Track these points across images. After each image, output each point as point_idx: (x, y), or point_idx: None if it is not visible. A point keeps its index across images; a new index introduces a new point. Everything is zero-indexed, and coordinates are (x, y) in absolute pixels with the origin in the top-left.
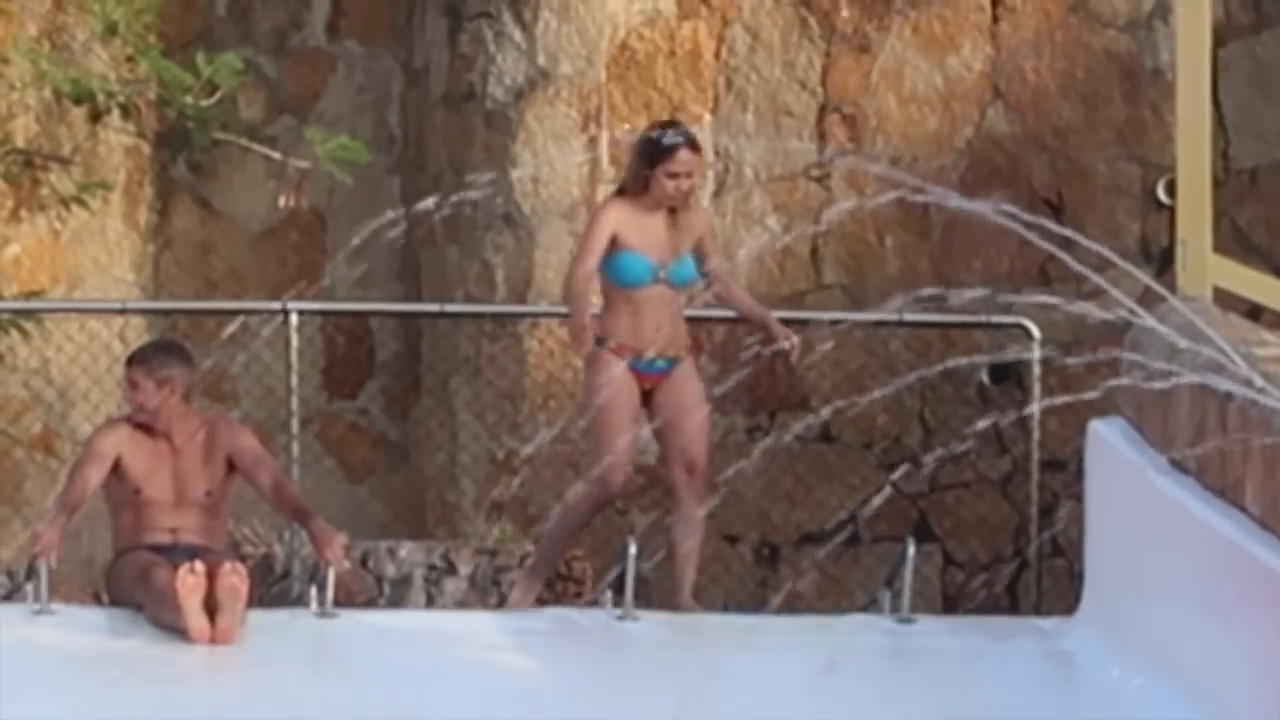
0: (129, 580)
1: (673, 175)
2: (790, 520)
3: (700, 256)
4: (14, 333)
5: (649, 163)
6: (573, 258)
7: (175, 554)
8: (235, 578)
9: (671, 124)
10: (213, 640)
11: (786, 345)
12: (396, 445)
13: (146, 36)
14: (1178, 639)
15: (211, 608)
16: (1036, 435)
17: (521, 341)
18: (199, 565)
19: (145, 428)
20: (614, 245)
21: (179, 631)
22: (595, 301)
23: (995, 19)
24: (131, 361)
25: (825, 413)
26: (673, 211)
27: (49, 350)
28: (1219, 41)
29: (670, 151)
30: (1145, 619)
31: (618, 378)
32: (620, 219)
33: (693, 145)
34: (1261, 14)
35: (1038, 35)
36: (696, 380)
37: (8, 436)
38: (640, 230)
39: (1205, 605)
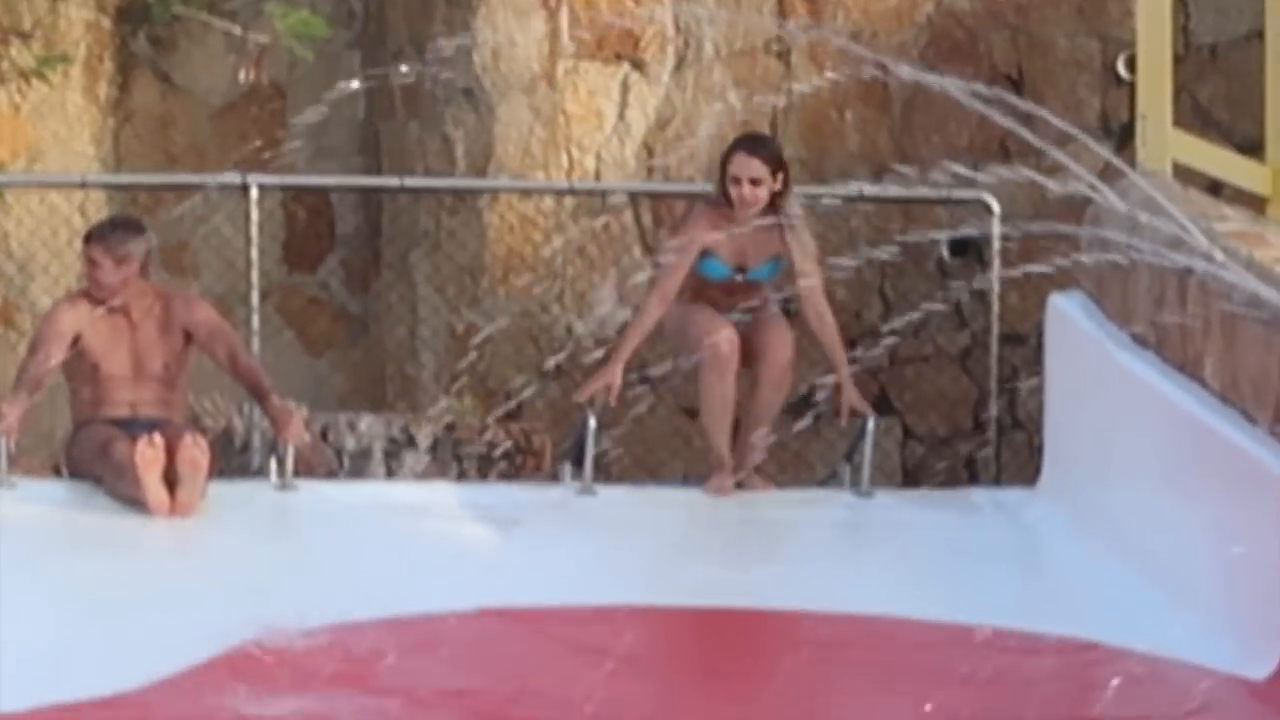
0: (88, 453)
1: (735, 180)
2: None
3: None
4: None
5: (721, 168)
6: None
7: (134, 427)
8: (195, 450)
9: (757, 135)
10: (172, 512)
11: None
12: (356, 319)
13: None
14: (1138, 513)
15: (171, 480)
16: (996, 309)
17: (481, 215)
18: (158, 438)
19: (103, 303)
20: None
21: (138, 504)
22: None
23: None
24: (90, 239)
25: (785, 292)
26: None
27: (9, 224)
28: None
29: (729, 154)
30: (1105, 493)
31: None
32: (707, 225)
33: (756, 150)
34: None
35: None
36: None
37: None
38: (722, 235)
39: (1165, 479)
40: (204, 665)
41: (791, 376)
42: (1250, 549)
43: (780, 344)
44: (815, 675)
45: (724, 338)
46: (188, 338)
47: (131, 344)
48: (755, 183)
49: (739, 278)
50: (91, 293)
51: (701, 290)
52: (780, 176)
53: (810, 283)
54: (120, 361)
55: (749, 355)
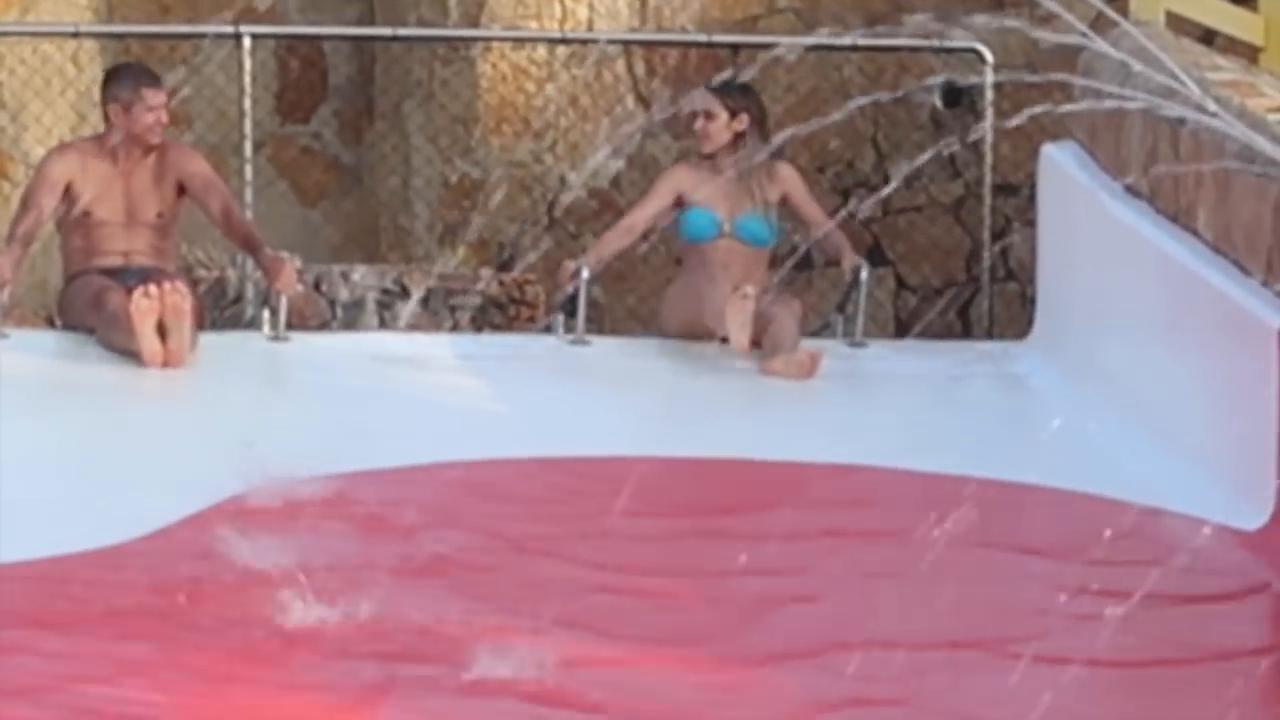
0: (82, 304)
1: (692, 114)
2: None
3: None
4: None
5: None
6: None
7: (127, 276)
8: (176, 296)
9: (728, 78)
10: (165, 363)
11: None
12: (349, 169)
13: None
14: (1130, 364)
15: (164, 331)
16: (989, 159)
17: (474, 65)
18: (153, 289)
19: (95, 151)
20: (678, 203)
21: (132, 355)
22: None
23: None
24: (145, 84)
25: (780, 138)
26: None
27: (1, 74)
28: None
29: None
30: (1097, 343)
31: None
32: (684, 170)
33: (716, 87)
34: None
35: None
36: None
37: None
38: (697, 177)
39: (1158, 331)
40: (199, 514)
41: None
42: (1242, 400)
43: (785, 330)
44: (805, 526)
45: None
46: (181, 189)
47: (125, 192)
48: (709, 116)
49: (727, 228)
50: (90, 138)
51: (699, 265)
52: (742, 117)
53: (834, 236)
54: (113, 209)
55: (758, 338)
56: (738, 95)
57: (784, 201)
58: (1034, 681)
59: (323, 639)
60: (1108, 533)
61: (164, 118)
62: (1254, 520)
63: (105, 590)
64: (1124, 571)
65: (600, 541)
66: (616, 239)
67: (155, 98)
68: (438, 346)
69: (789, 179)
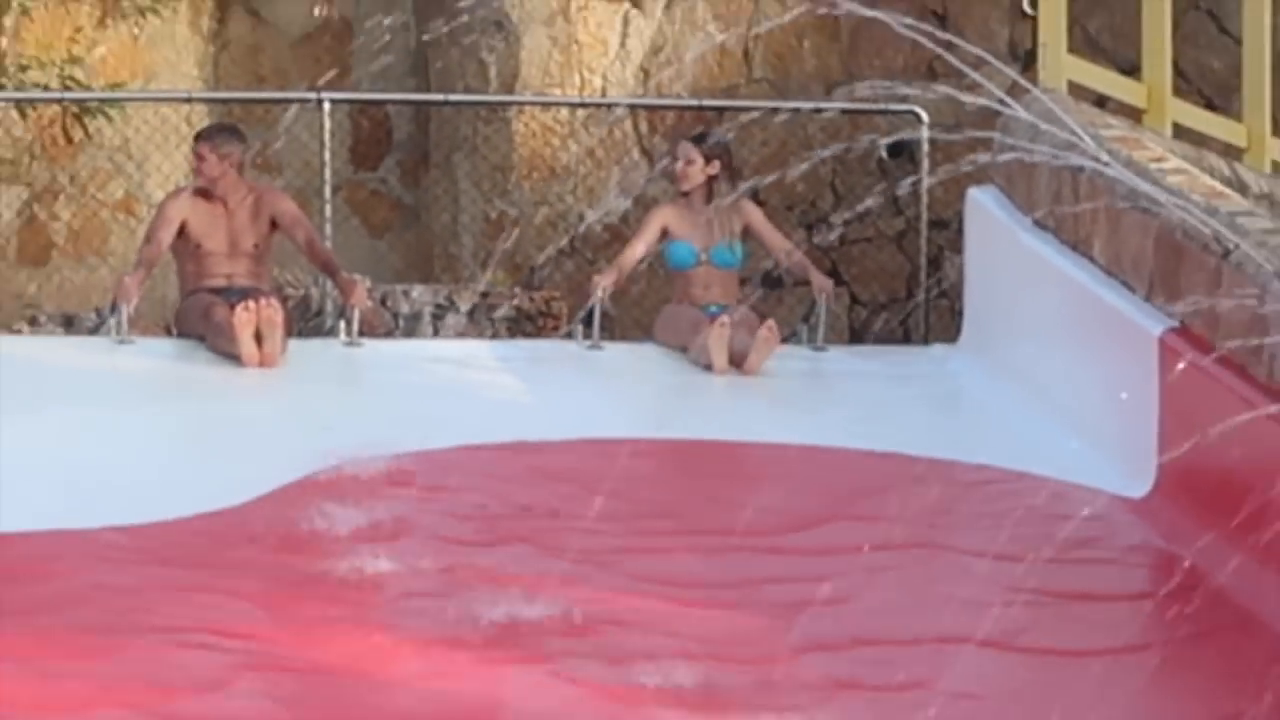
0: (194, 316)
1: (674, 158)
2: None
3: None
4: (101, 117)
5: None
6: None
7: (230, 294)
8: (270, 310)
9: (704, 132)
10: (260, 364)
11: (821, 296)
12: (409, 208)
13: None
14: (1039, 364)
15: (260, 338)
16: (925, 200)
17: (510, 124)
18: (251, 304)
19: (205, 194)
20: (664, 235)
21: (234, 357)
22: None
23: None
24: (199, 138)
25: (749, 184)
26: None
27: (129, 131)
28: None
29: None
30: (1013, 347)
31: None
32: (668, 209)
33: (694, 138)
34: None
35: None
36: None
37: (97, 200)
38: (678, 213)
39: (1061, 336)
40: (291, 485)
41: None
42: (1128, 391)
43: (762, 341)
44: (782, 493)
45: (713, 340)
46: (273, 224)
47: (228, 228)
48: (688, 162)
49: (704, 257)
50: (197, 183)
51: (681, 285)
52: (715, 164)
53: (796, 257)
54: (219, 241)
55: (732, 351)
56: (712, 146)
57: (746, 231)
58: (958, 606)
59: (401, 585)
60: (1020, 501)
61: (210, 168)
62: (1139, 490)
63: (219, 545)
64: (1035, 530)
65: (615, 503)
66: (621, 266)
67: (201, 147)
68: (480, 350)
69: (750, 212)
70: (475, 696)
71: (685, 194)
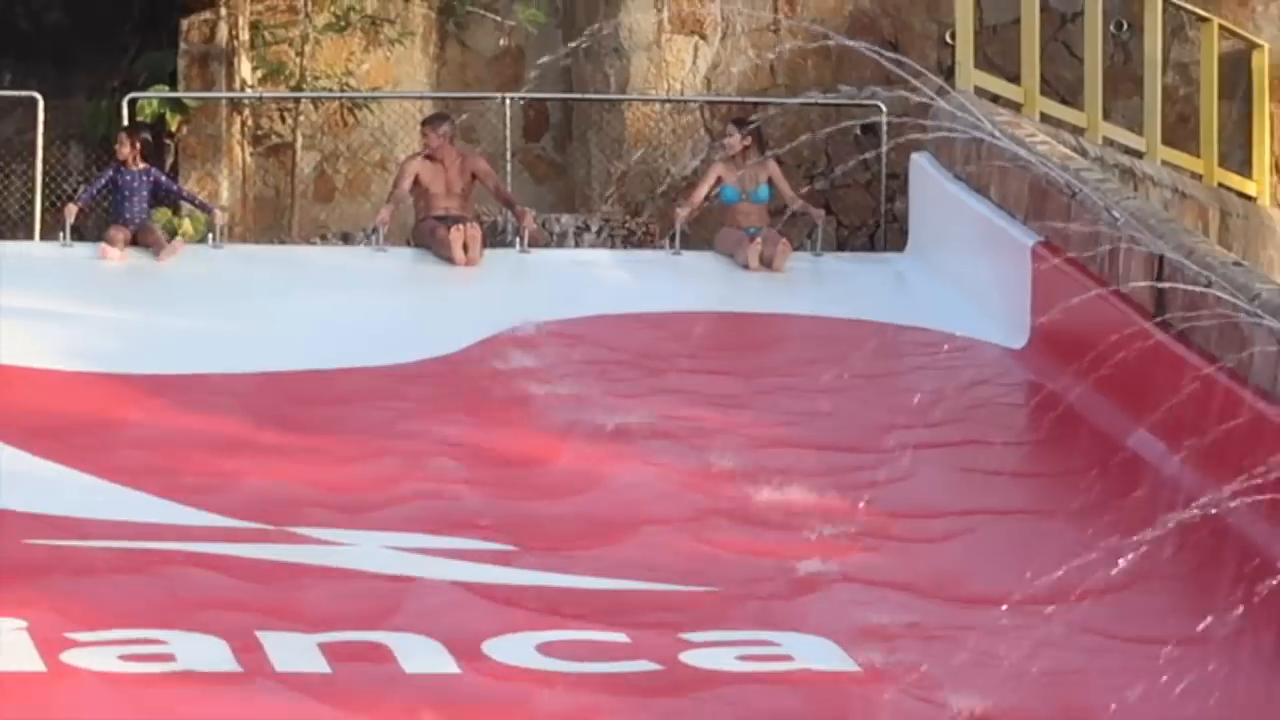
0: (424, 234)
1: (726, 135)
2: None
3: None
4: (365, 109)
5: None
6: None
7: (447, 220)
8: (473, 229)
9: (741, 118)
10: (466, 265)
11: (815, 218)
12: (560, 165)
13: None
14: (956, 264)
15: (466, 248)
16: (884, 160)
17: (623, 113)
18: (460, 226)
19: (430, 158)
20: (718, 182)
21: (450, 260)
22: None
23: None
24: (425, 124)
25: (774, 151)
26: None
27: (384, 117)
28: None
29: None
30: (939, 254)
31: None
32: (720, 165)
33: (735, 122)
34: None
35: None
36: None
37: (363, 160)
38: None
39: (973, 250)
40: (486, 340)
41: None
42: (1013, 281)
43: (781, 250)
44: (793, 343)
45: (750, 251)
46: (474, 176)
47: (445, 179)
48: (730, 136)
49: (745, 196)
50: (424, 151)
51: (730, 214)
52: (748, 138)
53: (798, 204)
54: (440, 187)
55: (762, 257)
56: (746, 128)
57: (770, 180)
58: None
59: (556, 402)
60: (945, 347)
61: (432, 141)
62: (1019, 344)
63: (441, 378)
64: (952, 365)
65: (689, 350)
66: (692, 202)
67: (426, 129)
68: (604, 256)
69: (773, 168)
70: (596, 471)
71: (730, 157)
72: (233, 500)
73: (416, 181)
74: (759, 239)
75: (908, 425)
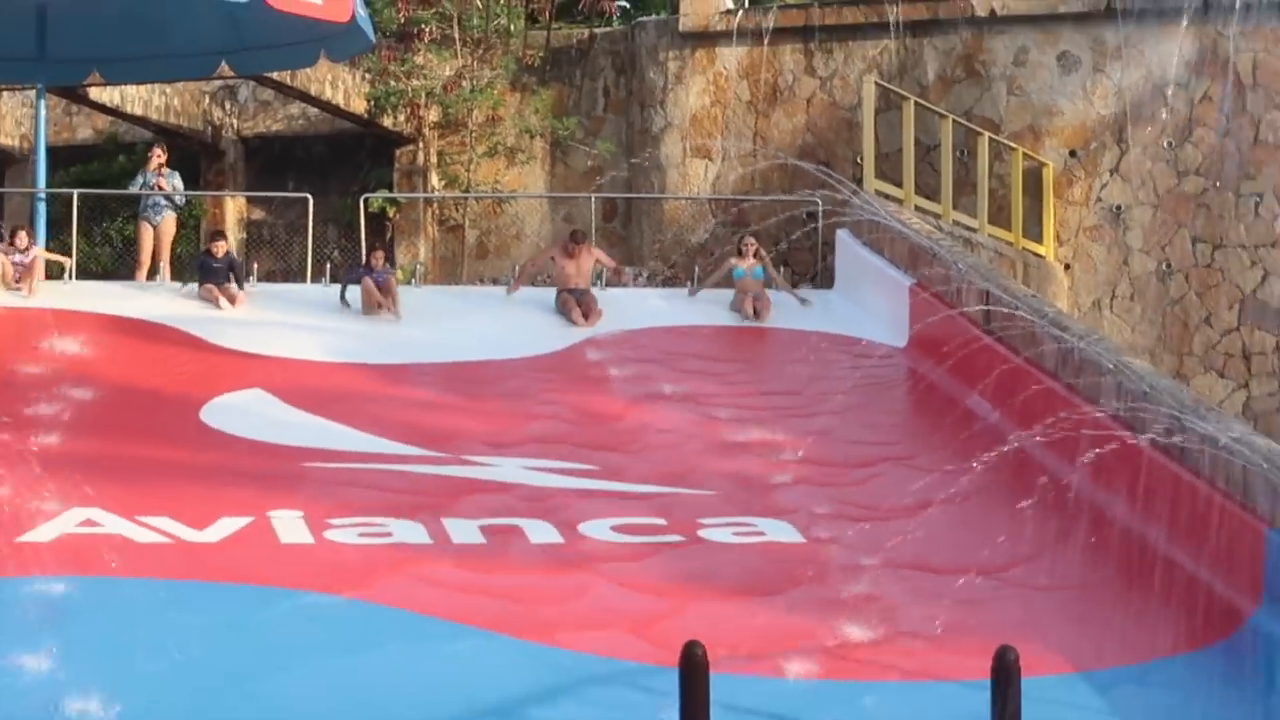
0: (560, 303)
1: (746, 245)
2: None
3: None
4: (507, 205)
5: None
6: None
7: (575, 294)
8: (590, 298)
9: (751, 241)
10: (585, 326)
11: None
12: (624, 236)
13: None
14: (866, 298)
15: (587, 315)
16: (820, 235)
17: (663, 206)
18: (583, 300)
19: (569, 255)
20: (730, 267)
21: (573, 323)
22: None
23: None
24: (572, 234)
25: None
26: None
27: (518, 207)
28: (880, 110)
29: (742, 240)
30: (855, 292)
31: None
32: (734, 258)
33: (751, 242)
34: (890, 101)
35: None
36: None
37: (505, 234)
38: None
39: (874, 288)
40: (579, 343)
41: (770, 310)
42: (896, 304)
43: (767, 304)
44: (767, 349)
45: (747, 307)
46: (595, 260)
47: (577, 265)
48: (749, 246)
49: (749, 276)
50: (565, 247)
51: (738, 284)
52: (758, 250)
53: (778, 280)
54: (572, 269)
55: (755, 310)
56: (758, 246)
57: (763, 266)
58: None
59: (621, 378)
60: (857, 346)
61: (577, 242)
62: (902, 344)
63: (544, 368)
64: (861, 356)
65: (705, 350)
66: (712, 278)
67: (577, 239)
68: (651, 293)
69: (764, 258)
70: (646, 420)
71: (740, 253)
72: (426, 438)
73: (556, 262)
74: (751, 300)
75: (838, 392)
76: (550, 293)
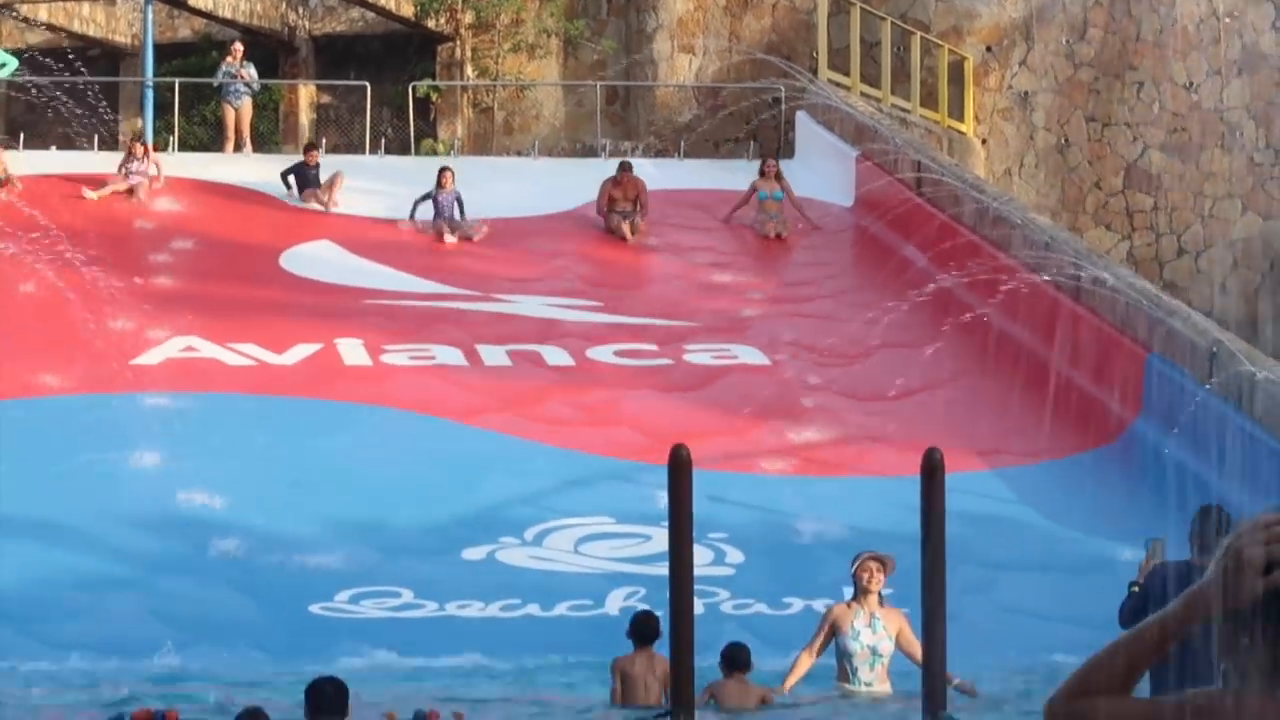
0: (609, 220)
1: (767, 169)
2: None
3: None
4: (524, 93)
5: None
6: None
7: (623, 214)
8: (636, 220)
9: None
10: (631, 242)
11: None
12: (623, 117)
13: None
14: (820, 166)
15: (632, 231)
16: (783, 115)
17: (655, 92)
18: (628, 221)
19: (618, 182)
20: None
21: (621, 238)
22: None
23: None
24: (621, 165)
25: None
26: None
27: (536, 94)
28: (832, 14)
29: (764, 165)
30: (811, 161)
31: None
32: (757, 179)
33: (773, 172)
34: (840, 5)
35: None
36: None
37: (527, 114)
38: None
39: (826, 158)
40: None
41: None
42: (845, 171)
43: (789, 227)
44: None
45: (769, 228)
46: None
47: (623, 191)
48: (770, 167)
49: (771, 198)
50: (617, 178)
51: (760, 205)
52: (779, 172)
53: (796, 205)
54: (619, 194)
55: (777, 234)
56: (778, 168)
57: (784, 187)
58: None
59: (639, 236)
60: (814, 211)
61: (626, 171)
62: (849, 203)
63: (567, 222)
64: (816, 216)
65: (696, 205)
66: (739, 209)
67: (626, 169)
68: (647, 163)
69: (785, 181)
70: (648, 267)
71: (762, 173)
72: (461, 280)
73: (606, 189)
74: (775, 225)
75: (801, 245)
76: (575, 161)
